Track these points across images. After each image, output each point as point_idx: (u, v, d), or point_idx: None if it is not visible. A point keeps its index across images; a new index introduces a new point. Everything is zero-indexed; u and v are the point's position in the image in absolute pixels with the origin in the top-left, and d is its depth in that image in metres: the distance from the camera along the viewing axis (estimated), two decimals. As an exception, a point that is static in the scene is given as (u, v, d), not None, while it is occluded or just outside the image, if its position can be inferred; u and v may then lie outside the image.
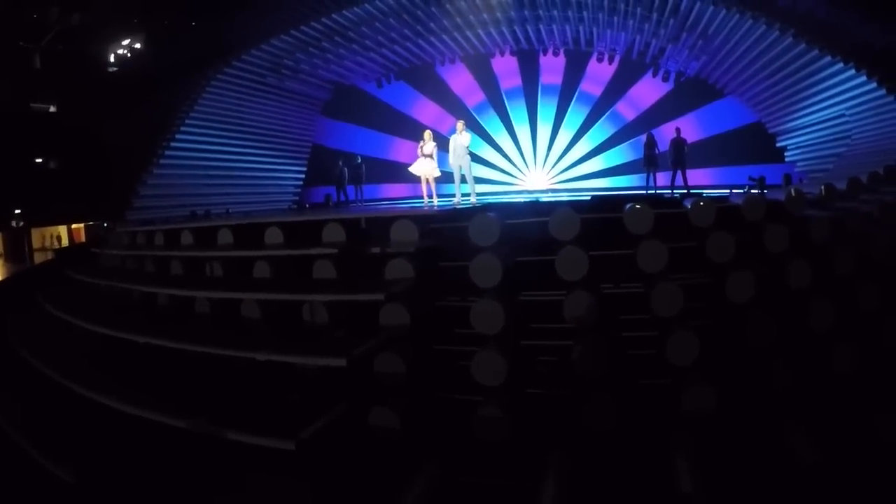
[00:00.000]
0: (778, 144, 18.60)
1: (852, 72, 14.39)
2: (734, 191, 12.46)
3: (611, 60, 21.42)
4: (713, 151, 19.62)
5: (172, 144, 19.01)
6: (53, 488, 6.18)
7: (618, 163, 21.73)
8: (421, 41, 20.99)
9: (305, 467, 5.70)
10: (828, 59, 14.95)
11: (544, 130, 22.61)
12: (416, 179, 13.80)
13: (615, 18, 18.26)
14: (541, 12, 19.04)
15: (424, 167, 13.06)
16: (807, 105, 16.75)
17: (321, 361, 6.58)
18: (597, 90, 21.87)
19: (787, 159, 18.22)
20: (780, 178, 16.01)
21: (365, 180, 20.68)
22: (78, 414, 7.67)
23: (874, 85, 13.89)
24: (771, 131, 18.88)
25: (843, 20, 14.80)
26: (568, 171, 22.49)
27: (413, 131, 20.47)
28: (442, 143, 13.33)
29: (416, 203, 16.11)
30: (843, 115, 15.39)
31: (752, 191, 11.11)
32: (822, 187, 8.55)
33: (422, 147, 13.04)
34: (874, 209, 7.75)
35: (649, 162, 16.77)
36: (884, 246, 7.10)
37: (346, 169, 20.02)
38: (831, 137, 15.94)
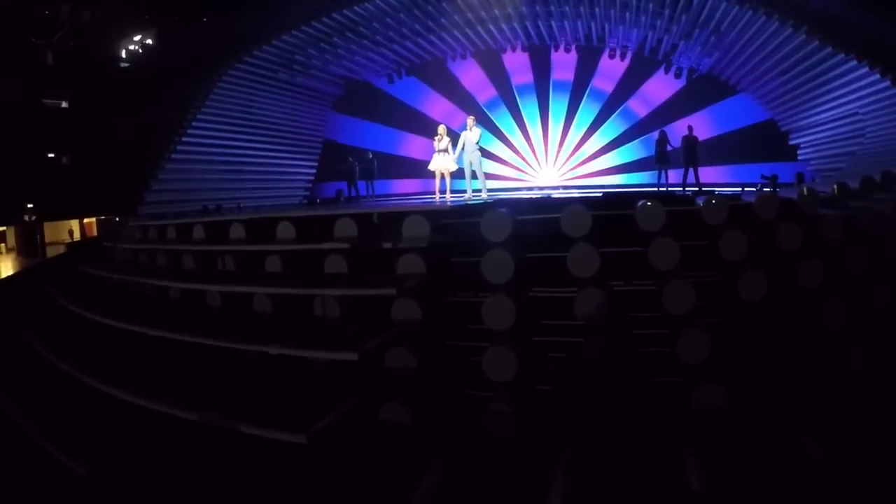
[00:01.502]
0: (790, 142, 18.47)
1: (866, 69, 14.28)
2: (746, 189, 12.39)
3: (623, 57, 21.32)
4: (725, 149, 19.51)
5: (184, 140, 19.08)
6: (66, 481, 6.24)
7: (629, 160, 21.65)
8: (432, 37, 20.96)
9: (317, 461, 5.72)
10: (841, 56, 14.86)
11: (556, 127, 22.55)
12: (429, 175, 13.85)
13: (627, 14, 18.19)
14: (552, 8, 18.97)
15: (440, 162, 13.13)
16: (820, 103, 16.63)
17: (333, 355, 6.62)
18: (608, 87, 21.78)
19: (799, 157, 18.09)
20: (792, 176, 15.93)
21: (376, 175, 20.70)
22: (91, 407, 7.74)
23: (888, 83, 13.79)
24: (783, 129, 18.75)
25: (856, 17, 14.69)
26: (579, 167, 22.45)
27: (424, 127, 20.49)
28: (454, 139, 13.36)
29: (427, 198, 16.12)
30: (856, 113, 15.27)
31: (765, 189, 11.06)
32: (835, 186, 8.50)
33: (437, 142, 13.09)
34: (888, 208, 7.70)
35: (661, 159, 16.69)
36: (897, 245, 7.07)
37: (356, 164, 20.03)
38: (844, 135, 15.82)
